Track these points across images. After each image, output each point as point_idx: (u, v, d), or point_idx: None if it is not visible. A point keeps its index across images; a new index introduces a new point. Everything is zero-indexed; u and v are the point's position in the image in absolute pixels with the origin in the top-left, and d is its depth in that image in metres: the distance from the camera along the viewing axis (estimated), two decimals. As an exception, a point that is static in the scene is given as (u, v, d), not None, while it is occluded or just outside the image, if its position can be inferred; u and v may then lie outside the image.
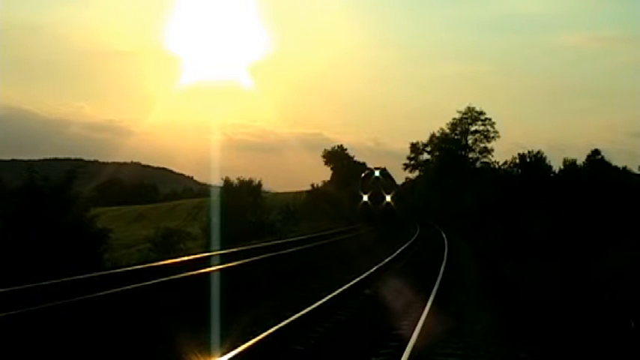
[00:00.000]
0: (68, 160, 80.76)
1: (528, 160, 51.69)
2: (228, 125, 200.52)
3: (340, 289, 10.96)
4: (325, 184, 70.69)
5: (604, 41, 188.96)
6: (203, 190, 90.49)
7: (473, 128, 69.32)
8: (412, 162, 75.02)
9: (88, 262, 16.95)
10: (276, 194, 70.34)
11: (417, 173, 76.01)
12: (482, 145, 68.81)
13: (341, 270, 15.29)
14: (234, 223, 30.73)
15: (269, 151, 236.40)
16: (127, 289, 9.23)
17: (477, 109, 69.05)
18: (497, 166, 61.18)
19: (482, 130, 68.72)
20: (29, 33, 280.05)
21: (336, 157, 76.87)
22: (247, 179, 43.79)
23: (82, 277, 10.31)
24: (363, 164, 70.47)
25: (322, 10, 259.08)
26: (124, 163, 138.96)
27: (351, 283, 12.01)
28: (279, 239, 25.06)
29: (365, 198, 47.60)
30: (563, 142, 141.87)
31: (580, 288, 13.74)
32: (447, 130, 70.43)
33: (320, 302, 9.44)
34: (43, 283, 9.26)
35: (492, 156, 67.43)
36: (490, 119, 68.43)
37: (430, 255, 20.83)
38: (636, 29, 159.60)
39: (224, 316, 8.47)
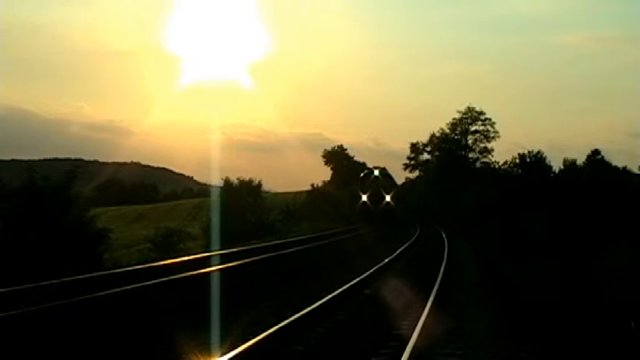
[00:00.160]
0: (68, 160, 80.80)
1: (528, 160, 51.68)
2: (228, 125, 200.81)
3: (340, 289, 10.96)
4: (325, 184, 70.71)
5: (604, 41, 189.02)
6: (203, 190, 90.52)
7: (473, 128, 69.40)
8: (412, 162, 75.07)
9: (88, 262, 16.94)
10: (276, 194, 70.37)
11: (417, 173, 76.14)
12: (482, 145, 68.94)
13: (341, 270, 15.29)
14: (234, 223, 30.74)
15: (269, 151, 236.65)
16: (127, 289, 9.24)
17: (477, 109, 69.20)
18: (497, 166, 61.21)
19: (483, 130, 68.81)
20: (29, 33, 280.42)
21: (336, 157, 76.88)
22: (247, 179, 43.86)
23: (82, 277, 10.31)
24: (363, 164, 70.44)
25: (322, 10, 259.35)
26: (124, 163, 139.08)
27: (351, 283, 12.01)
28: (279, 239, 25.06)
29: (364, 198, 47.39)
30: (563, 142, 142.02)
31: (580, 288, 13.74)
32: (447, 130, 70.55)
33: (320, 302, 9.44)
34: (43, 283, 9.26)
35: (492, 156, 67.57)
36: (490, 119, 68.56)
37: (430, 255, 20.83)
38: (636, 29, 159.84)
39: (224, 316, 8.47)
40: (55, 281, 9.46)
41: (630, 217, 29.40)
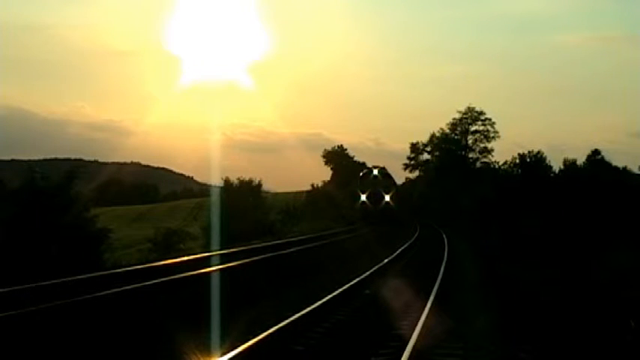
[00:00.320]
0: (68, 160, 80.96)
1: (528, 160, 51.76)
2: (228, 125, 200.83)
3: (340, 290, 10.96)
4: (325, 184, 70.74)
5: (604, 41, 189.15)
6: (203, 190, 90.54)
7: (473, 128, 69.36)
8: (412, 162, 74.99)
9: (89, 262, 16.96)
10: (276, 194, 70.41)
11: (417, 173, 76.08)
12: (482, 145, 68.86)
13: (341, 270, 15.28)
14: (234, 223, 30.72)
15: (269, 151, 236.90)
16: (127, 289, 9.24)
17: (477, 109, 69.14)
18: (497, 166, 61.34)
19: (483, 130, 68.76)
20: (29, 33, 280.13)
21: (336, 157, 76.95)
22: (247, 179, 43.79)
23: (82, 277, 10.30)
24: (363, 164, 70.41)
25: (322, 10, 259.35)
26: (124, 163, 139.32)
27: (351, 283, 12.01)
28: (279, 239, 25.05)
29: (363, 197, 46.77)
30: (563, 142, 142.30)
31: (580, 288, 13.74)
32: (447, 130, 70.51)
33: (320, 302, 9.44)
34: (44, 283, 9.25)
35: (492, 156, 67.53)
36: (490, 119, 68.51)
37: (430, 255, 20.82)
38: (637, 29, 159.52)
39: (224, 316, 8.48)
40: (55, 281, 9.46)
41: (630, 217, 29.40)
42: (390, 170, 51.91)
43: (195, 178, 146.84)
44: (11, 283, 8.96)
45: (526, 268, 18.17)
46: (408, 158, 75.06)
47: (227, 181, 41.96)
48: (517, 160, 52.84)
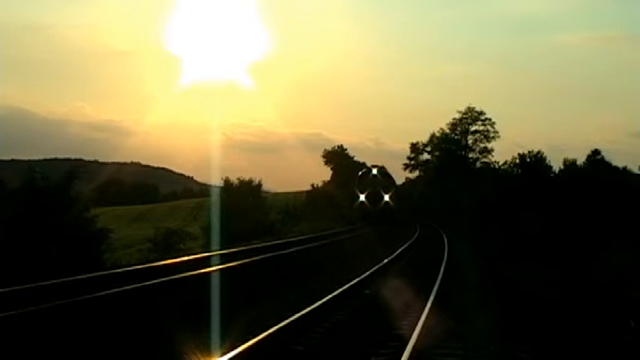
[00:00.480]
0: (68, 160, 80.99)
1: (528, 160, 51.80)
2: (228, 125, 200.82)
3: (340, 289, 10.96)
4: (325, 184, 70.74)
5: (604, 41, 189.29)
6: (203, 190, 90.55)
7: (473, 128, 69.35)
8: (412, 162, 74.97)
9: (89, 262, 16.96)
10: (276, 194, 70.43)
11: (417, 173, 76.05)
12: (482, 145, 68.84)
13: (341, 270, 15.28)
14: (234, 223, 30.74)
15: (269, 151, 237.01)
16: (127, 289, 9.23)
17: (477, 109, 69.12)
18: (497, 166, 61.38)
19: (483, 130, 68.74)
20: (29, 33, 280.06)
21: (336, 157, 76.91)
22: (247, 179, 43.79)
23: (82, 277, 10.30)
24: (363, 164, 70.30)
25: (322, 10, 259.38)
26: (124, 163, 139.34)
27: (351, 283, 12.01)
28: (279, 239, 25.06)
29: (362, 197, 45.80)
30: (563, 142, 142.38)
31: (580, 288, 13.74)
32: (447, 130, 70.49)
33: (320, 302, 9.44)
34: (44, 283, 9.25)
35: (492, 156, 67.51)
36: (490, 119, 68.49)
37: (430, 255, 20.82)
38: (637, 29, 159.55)
39: (224, 316, 8.48)
40: (55, 281, 9.46)
41: (630, 217, 29.40)
42: (390, 170, 51.29)
43: (195, 178, 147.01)
44: (11, 283, 8.95)
45: (526, 268, 18.18)
46: (408, 158, 75.14)
47: (227, 181, 41.98)
48: (517, 160, 52.92)
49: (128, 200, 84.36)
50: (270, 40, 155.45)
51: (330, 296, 10.11)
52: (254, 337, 6.85)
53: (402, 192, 60.38)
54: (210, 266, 12.85)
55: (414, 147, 74.49)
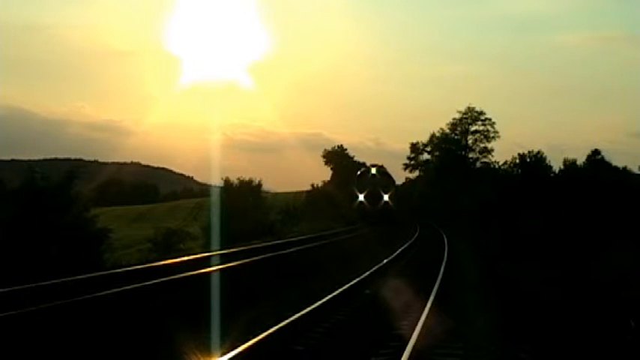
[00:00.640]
0: (68, 160, 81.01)
1: (528, 160, 51.81)
2: (228, 125, 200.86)
3: (340, 290, 10.96)
4: (325, 184, 70.70)
5: (604, 41, 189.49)
6: (203, 190, 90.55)
7: (473, 128, 69.33)
8: (412, 162, 74.95)
9: (89, 262, 16.96)
10: (276, 194, 70.42)
11: (417, 173, 76.04)
12: (482, 145, 68.81)
13: (341, 270, 15.28)
14: (234, 223, 30.74)
15: (269, 151, 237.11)
16: (127, 289, 9.23)
17: (477, 109, 69.09)
18: (497, 166, 61.38)
19: (483, 130, 68.71)
20: (29, 33, 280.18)
21: (336, 157, 76.86)
22: (247, 179, 43.78)
23: (82, 277, 10.30)
24: (363, 164, 70.27)
25: (322, 10, 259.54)
26: (124, 163, 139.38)
27: (351, 283, 12.01)
28: (279, 239, 25.06)
29: (361, 197, 44.87)
30: (563, 142, 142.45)
31: (580, 288, 13.74)
32: (447, 130, 70.47)
33: (320, 302, 9.44)
34: (44, 283, 9.25)
35: (492, 156, 67.48)
36: (490, 119, 68.47)
37: (430, 255, 20.82)
38: (637, 29, 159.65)
39: (224, 316, 8.48)
40: (55, 281, 9.46)
41: (630, 217, 29.39)
42: (390, 170, 50.74)
43: (195, 178, 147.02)
44: (11, 283, 8.95)
45: (526, 268, 18.18)
46: (408, 158, 75.12)
47: (227, 181, 41.98)
48: (517, 160, 52.92)
49: (128, 200, 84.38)
50: (270, 40, 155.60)
51: (330, 296, 10.11)
52: (254, 337, 6.85)
53: (402, 192, 60.28)
54: (210, 266, 12.85)
55: (414, 147, 74.53)
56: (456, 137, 70.10)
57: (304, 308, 8.77)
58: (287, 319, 7.99)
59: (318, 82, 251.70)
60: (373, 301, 11.12)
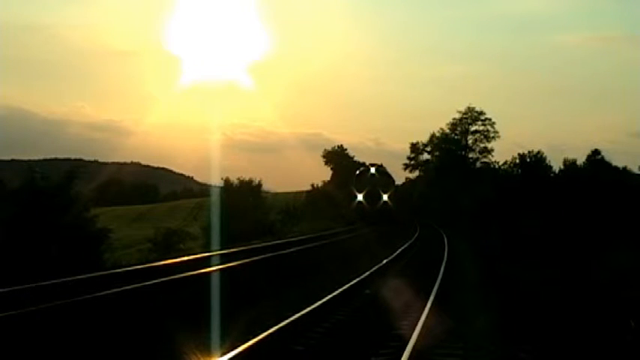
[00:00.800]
0: (68, 160, 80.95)
1: (528, 160, 51.81)
2: (228, 125, 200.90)
3: (340, 289, 10.96)
4: (325, 184, 70.68)
5: (604, 41, 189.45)
6: (203, 190, 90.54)
7: (473, 128, 69.28)
8: (412, 162, 74.90)
9: (89, 262, 16.96)
10: (276, 194, 70.40)
11: (417, 173, 76.02)
12: (482, 145, 68.73)
13: (341, 270, 15.28)
14: (234, 223, 30.74)
15: (269, 151, 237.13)
16: (127, 289, 9.23)
17: (477, 109, 69.03)
18: (497, 166, 61.39)
19: (483, 130, 68.65)
20: (29, 33, 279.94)
21: (336, 157, 76.80)
22: (247, 179, 43.76)
23: (82, 277, 10.30)
24: (363, 164, 70.22)
25: (322, 11, 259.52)
26: (124, 163, 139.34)
27: (351, 283, 12.01)
28: (279, 239, 25.06)
29: (360, 197, 44.40)
30: (563, 142, 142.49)
31: (580, 288, 13.74)
32: (447, 130, 70.41)
33: (320, 302, 9.44)
34: (44, 283, 9.25)
35: (492, 156, 67.43)
36: (490, 119, 68.41)
37: (430, 255, 20.82)
38: (636, 29, 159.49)
39: (224, 316, 8.48)
40: (55, 281, 9.46)
41: (630, 217, 29.39)
42: (390, 170, 50.53)
43: (195, 178, 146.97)
44: (11, 283, 8.95)
45: (526, 268, 18.18)
46: (408, 158, 75.08)
47: (227, 181, 41.96)
48: (517, 160, 52.95)
49: (128, 200, 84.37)
50: (270, 40, 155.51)
51: (330, 296, 10.11)
52: (254, 337, 6.85)
53: (401, 192, 60.25)
54: (210, 266, 12.85)
55: (414, 147, 74.49)
56: (455, 137, 70.08)
57: (304, 308, 8.77)
58: (287, 319, 7.99)
59: (318, 82, 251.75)
60: (373, 301, 11.12)
